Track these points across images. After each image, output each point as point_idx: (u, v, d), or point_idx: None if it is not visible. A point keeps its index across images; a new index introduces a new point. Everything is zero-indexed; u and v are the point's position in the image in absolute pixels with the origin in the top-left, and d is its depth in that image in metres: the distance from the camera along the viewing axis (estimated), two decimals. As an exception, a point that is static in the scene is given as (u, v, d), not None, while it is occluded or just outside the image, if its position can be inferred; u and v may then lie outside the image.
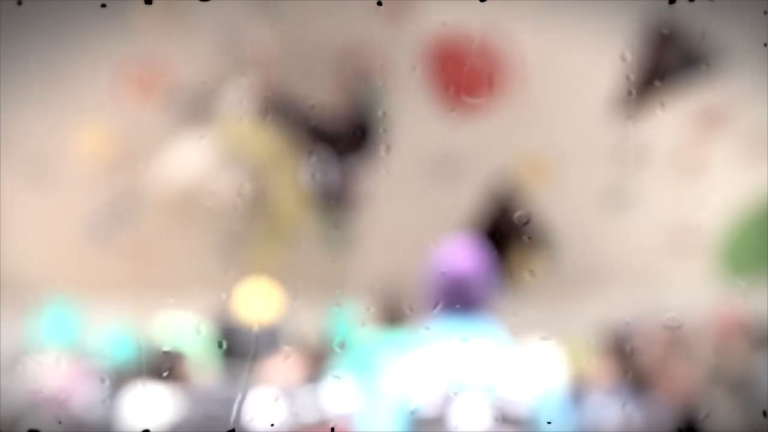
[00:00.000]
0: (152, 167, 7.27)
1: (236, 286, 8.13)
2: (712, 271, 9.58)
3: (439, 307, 3.59)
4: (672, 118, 8.34)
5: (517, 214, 8.47)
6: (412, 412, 3.47)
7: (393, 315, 4.21)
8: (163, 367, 4.96)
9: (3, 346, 4.94)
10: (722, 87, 8.26)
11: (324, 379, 4.28)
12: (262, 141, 6.82)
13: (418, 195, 8.13)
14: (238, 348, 3.89)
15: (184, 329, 5.06)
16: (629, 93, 8.04)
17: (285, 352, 3.99)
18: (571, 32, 7.69)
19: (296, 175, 6.95)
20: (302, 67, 6.91)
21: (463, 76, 7.58)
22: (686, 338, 7.48)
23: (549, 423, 4.20)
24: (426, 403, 3.47)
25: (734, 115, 8.50)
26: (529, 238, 8.54)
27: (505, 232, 8.36)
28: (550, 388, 3.61)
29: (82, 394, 4.66)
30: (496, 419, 3.47)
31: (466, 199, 8.29)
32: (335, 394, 4.12)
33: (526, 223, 8.47)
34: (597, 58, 7.85)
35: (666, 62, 7.84)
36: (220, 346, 4.55)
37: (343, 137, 6.59)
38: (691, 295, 9.56)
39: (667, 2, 7.60)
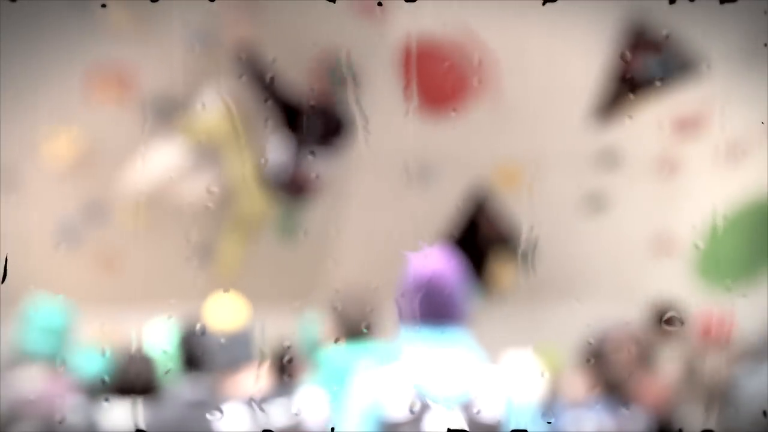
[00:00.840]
0: (124, 171, 7.20)
1: (207, 293, 8.08)
2: (691, 277, 9.58)
3: (412, 316, 3.56)
4: (649, 123, 8.33)
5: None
6: (384, 422, 3.43)
7: (363, 325, 4.15)
8: (137, 374, 4.91)
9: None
10: (700, 91, 8.25)
11: (295, 389, 4.22)
12: (225, 128, 6.79)
13: (392, 201, 8.08)
14: (209, 357, 3.82)
15: (156, 337, 5.01)
16: (607, 97, 8.04)
17: (255, 361, 3.91)
18: (549, 37, 7.67)
19: (256, 164, 6.93)
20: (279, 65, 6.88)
21: (440, 81, 7.54)
22: (665, 345, 7.47)
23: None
24: (398, 413, 3.44)
25: (712, 119, 8.50)
26: (505, 244, 8.52)
27: (480, 239, 8.33)
28: (524, 398, 3.58)
29: (62, 404, 4.59)
30: (469, 429, 3.44)
31: (441, 205, 8.25)
32: (307, 403, 4.06)
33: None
34: (575, 63, 7.85)
35: (644, 67, 7.83)
36: (188, 354, 4.50)
37: (315, 124, 6.55)
38: (673, 302, 9.56)
39: (658, 4, 7.64)
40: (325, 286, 8.30)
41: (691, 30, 7.87)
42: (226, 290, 7.74)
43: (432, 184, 8.03)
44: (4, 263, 7.09)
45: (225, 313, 3.77)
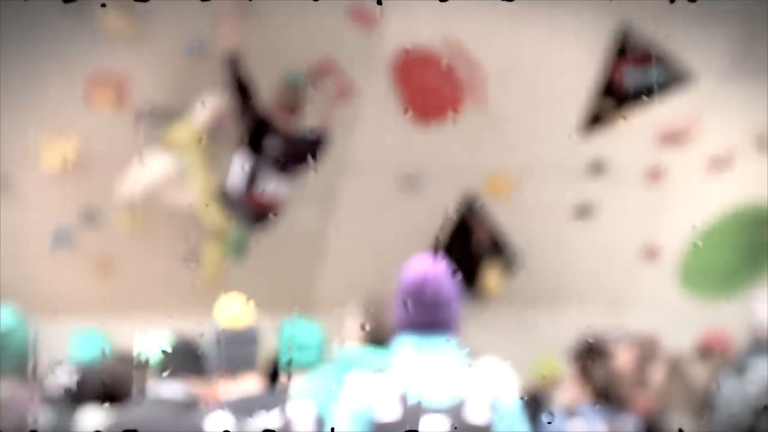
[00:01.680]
0: (119, 177, 7.23)
1: (199, 298, 8.10)
2: (677, 286, 9.63)
3: (403, 322, 3.60)
4: (637, 134, 8.39)
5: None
6: (375, 425, 3.47)
7: (356, 331, 4.20)
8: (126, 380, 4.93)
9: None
10: (687, 103, 8.32)
11: (286, 394, 4.25)
12: (193, 140, 6.83)
13: (383, 208, 8.14)
14: (212, 358, 3.87)
15: (149, 342, 5.03)
16: (596, 107, 8.10)
17: (257, 364, 3.96)
18: (540, 47, 7.73)
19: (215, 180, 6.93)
20: (267, 74, 6.91)
21: (431, 90, 7.60)
22: (654, 353, 7.52)
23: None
24: (389, 417, 3.47)
25: (699, 130, 8.56)
26: (495, 252, 8.56)
27: (471, 247, 8.37)
28: (512, 403, 3.62)
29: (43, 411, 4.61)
30: (457, 435, 3.49)
31: (433, 212, 8.28)
32: (298, 408, 4.09)
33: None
34: (565, 74, 7.90)
35: (633, 78, 7.89)
36: (181, 358, 4.53)
37: (279, 147, 6.54)
38: (657, 311, 9.62)
39: (648, 14, 7.71)
40: (321, 291, 8.35)
41: (678, 42, 7.94)
42: (221, 293, 7.83)
43: (423, 192, 8.08)
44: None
45: (233, 312, 3.81)
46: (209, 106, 6.86)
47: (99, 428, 4.73)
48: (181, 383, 4.33)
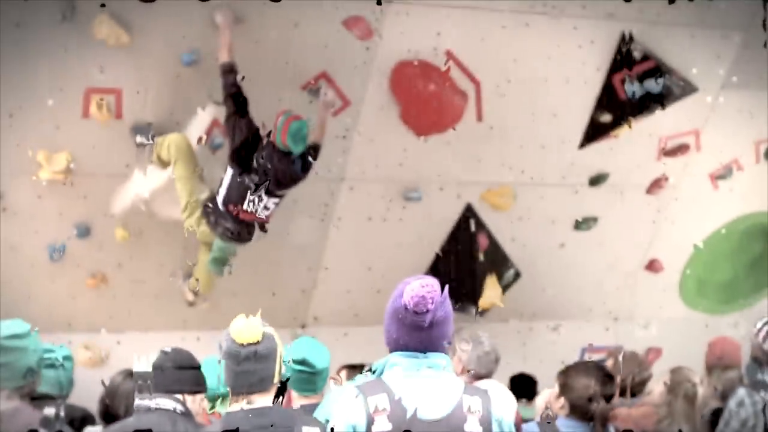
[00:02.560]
0: (114, 191, 7.21)
1: (195, 315, 8.06)
2: (679, 299, 9.61)
3: (395, 342, 3.59)
4: (639, 147, 8.37)
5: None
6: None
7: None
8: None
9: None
10: (688, 114, 8.30)
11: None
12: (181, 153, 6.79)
13: (381, 223, 8.11)
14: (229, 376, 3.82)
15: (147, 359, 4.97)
16: (598, 120, 8.08)
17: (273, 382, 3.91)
18: (541, 60, 7.72)
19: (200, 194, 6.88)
20: (263, 85, 6.87)
21: (429, 103, 7.58)
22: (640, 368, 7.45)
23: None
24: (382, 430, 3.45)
25: (700, 142, 8.55)
26: (495, 266, 8.52)
27: (470, 260, 8.34)
28: (505, 417, 3.60)
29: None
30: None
31: (431, 227, 8.27)
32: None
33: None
34: (566, 86, 7.88)
35: (635, 90, 7.87)
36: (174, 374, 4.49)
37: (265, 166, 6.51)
38: (658, 324, 9.59)
39: (651, 29, 7.70)
40: (313, 305, 8.33)
41: (679, 53, 7.93)
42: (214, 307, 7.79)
43: (422, 205, 8.05)
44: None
45: (247, 331, 3.76)
46: (206, 115, 6.83)
47: None
48: (176, 398, 4.30)
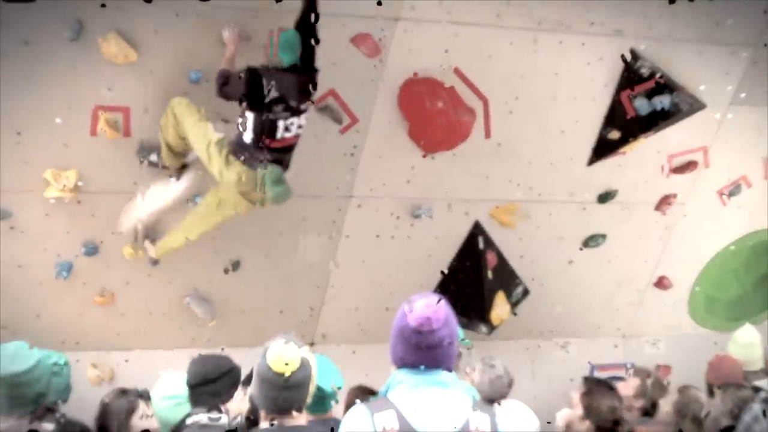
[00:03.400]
0: (123, 208, 7.22)
1: (203, 334, 8.05)
2: (688, 316, 9.58)
3: (401, 361, 3.58)
4: (646, 163, 8.35)
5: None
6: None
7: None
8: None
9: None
10: (696, 131, 8.29)
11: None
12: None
13: (389, 240, 8.09)
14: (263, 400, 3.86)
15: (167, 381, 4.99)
16: (606, 137, 8.06)
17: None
18: (549, 77, 7.71)
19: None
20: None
21: (437, 120, 7.57)
22: (656, 384, 7.44)
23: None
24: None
25: (709, 160, 8.53)
26: (504, 283, 8.51)
27: (479, 276, 8.32)
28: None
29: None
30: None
31: (439, 244, 8.25)
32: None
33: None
34: (574, 103, 7.87)
35: (642, 106, 7.86)
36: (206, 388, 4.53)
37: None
38: (667, 341, 9.55)
39: (660, 46, 7.70)
40: (321, 322, 8.31)
41: (689, 71, 7.92)
42: (224, 322, 7.76)
43: (430, 222, 8.04)
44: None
45: (284, 358, 3.76)
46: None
47: None
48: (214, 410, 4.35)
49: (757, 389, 5.82)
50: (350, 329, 8.32)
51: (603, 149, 8.11)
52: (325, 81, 6.86)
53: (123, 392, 4.82)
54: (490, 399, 5.57)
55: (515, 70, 7.61)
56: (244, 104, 6.27)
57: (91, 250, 7.32)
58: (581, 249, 8.63)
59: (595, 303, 9.04)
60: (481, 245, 8.25)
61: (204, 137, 6.53)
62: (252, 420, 4.49)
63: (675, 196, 8.62)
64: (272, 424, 3.79)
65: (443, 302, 3.57)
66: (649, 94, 7.81)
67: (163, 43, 6.75)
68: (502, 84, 7.63)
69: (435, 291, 8.13)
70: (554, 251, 8.58)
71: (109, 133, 6.84)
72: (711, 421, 5.67)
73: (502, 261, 8.42)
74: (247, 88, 6.19)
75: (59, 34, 6.50)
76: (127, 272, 7.54)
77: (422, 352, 3.53)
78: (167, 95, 6.86)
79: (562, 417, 5.41)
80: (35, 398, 4.38)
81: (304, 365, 3.81)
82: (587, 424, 5.15)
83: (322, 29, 6.36)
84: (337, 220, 7.85)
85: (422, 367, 3.54)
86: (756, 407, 5.37)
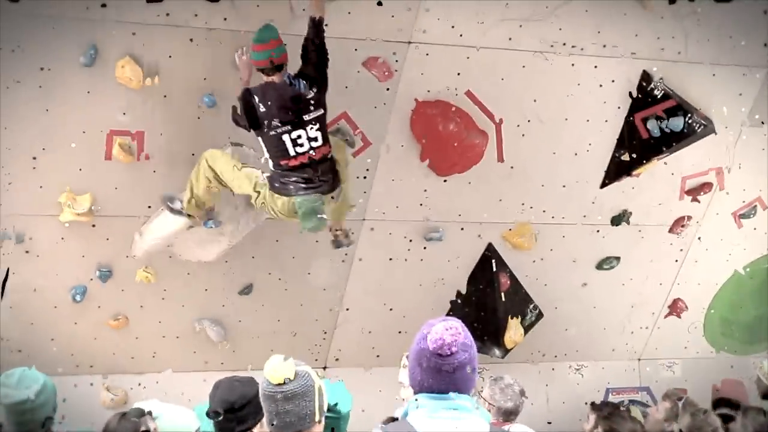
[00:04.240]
0: (137, 233, 7.24)
1: (217, 356, 8.05)
2: (704, 339, 9.52)
3: (419, 385, 3.56)
4: (659, 185, 8.33)
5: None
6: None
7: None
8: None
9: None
10: (710, 153, 8.27)
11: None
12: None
13: (402, 262, 8.09)
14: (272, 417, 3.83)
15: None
16: (619, 159, 8.05)
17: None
18: (562, 99, 7.72)
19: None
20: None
21: (450, 142, 7.58)
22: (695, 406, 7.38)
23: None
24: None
25: (724, 182, 8.50)
26: (518, 306, 8.49)
27: (494, 301, 8.30)
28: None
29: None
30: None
31: (453, 267, 8.24)
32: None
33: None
34: (587, 126, 7.87)
35: (655, 129, 7.85)
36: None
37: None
38: (683, 365, 9.49)
39: (673, 67, 7.70)
40: (334, 345, 8.30)
41: (703, 93, 7.91)
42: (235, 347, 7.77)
43: (444, 245, 8.03)
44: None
45: (278, 371, 3.75)
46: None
47: None
48: None
49: None
50: (363, 352, 8.30)
51: (616, 171, 8.10)
52: (337, 104, 6.89)
53: (123, 415, 4.79)
54: (507, 411, 5.55)
55: (528, 93, 7.62)
56: (250, 128, 6.30)
57: (106, 273, 7.34)
58: (595, 271, 8.60)
59: (609, 326, 9.00)
60: (494, 268, 8.24)
61: (249, 186, 6.54)
62: None
63: (689, 218, 8.58)
64: None
65: (462, 326, 3.55)
66: (663, 116, 7.81)
67: (176, 68, 6.79)
68: (514, 106, 7.64)
69: (448, 314, 8.11)
70: (568, 274, 8.56)
71: (123, 157, 6.89)
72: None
73: (515, 284, 8.40)
74: (244, 109, 6.23)
75: (75, 60, 6.55)
76: (140, 296, 7.56)
77: (441, 375, 3.51)
78: (181, 119, 6.90)
79: None
80: (42, 423, 4.38)
81: (302, 375, 3.78)
82: None
83: (334, 53, 6.38)
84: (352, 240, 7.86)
85: (441, 391, 3.52)
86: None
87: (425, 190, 7.79)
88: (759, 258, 9.16)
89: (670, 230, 8.62)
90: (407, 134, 7.52)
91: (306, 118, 6.26)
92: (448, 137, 7.52)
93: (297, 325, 8.05)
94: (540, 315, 8.65)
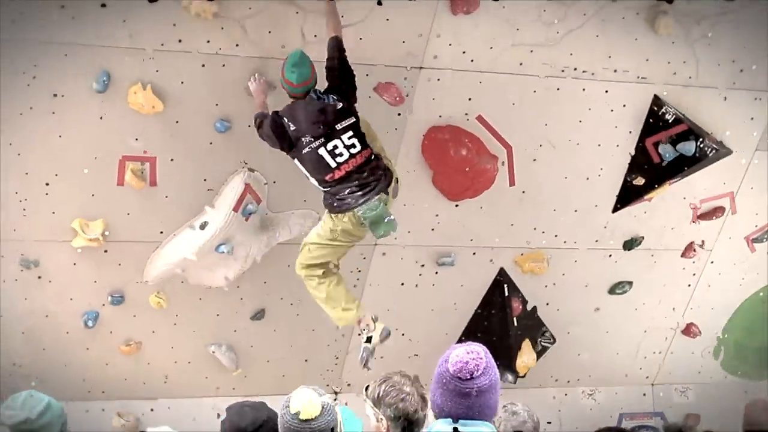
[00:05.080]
0: (150, 258, 7.25)
1: (230, 381, 8.04)
2: (717, 364, 9.47)
3: (441, 410, 3.55)
4: (672, 209, 8.31)
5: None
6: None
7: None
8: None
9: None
10: (722, 177, 8.25)
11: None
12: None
13: (414, 287, 8.07)
14: None
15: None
16: (631, 184, 8.04)
17: None
18: (572, 124, 7.72)
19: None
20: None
21: (461, 168, 7.59)
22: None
23: None
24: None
25: (734, 204, 8.48)
26: (531, 330, 8.46)
27: (506, 325, 8.28)
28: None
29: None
30: None
31: (465, 292, 8.23)
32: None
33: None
34: (598, 150, 7.87)
35: (667, 153, 7.84)
36: None
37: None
38: (696, 389, 9.43)
39: (681, 91, 7.70)
40: (346, 370, 8.27)
41: (714, 117, 7.90)
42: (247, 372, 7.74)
43: (456, 270, 8.02)
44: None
45: (306, 404, 3.75)
46: (238, 183, 6.74)
47: None
48: None
49: None
50: (376, 378, 8.26)
51: (628, 196, 8.08)
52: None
53: None
54: None
55: (539, 118, 7.62)
56: (288, 149, 6.26)
57: (118, 299, 7.35)
58: (608, 296, 8.56)
59: (622, 351, 8.95)
60: (506, 293, 8.22)
61: (323, 242, 6.56)
62: None
63: (702, 242, 8.55)
64: None
65: (485, 351, 3.53)
66: (674, 141, 7.80)
67: (189, 94, 6.82)
68: (525, 131, 7.65)
69: (460, 339, 8.09)
70: (580, 299, 8.53)
71: (135, 183, 6.91)
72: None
73: (527, 308, 8.38)
74: (275, 133, 6.22)
75: (87, 86, 6.59)
76: (152, 321, 7.56)
77: (461, 399, 3.49)
78: (194, 145, 6.92)
79: None
80: None
81: (327, 410, 3.78)
82: None
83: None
84: (362, 268, 7.85)
85: (460, 416, 3.50)
86: None
87: (437, 215, 7.78)
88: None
89: (683, 254, 8.59)
90: (419, 159, 7.52)
91: (338, 127, 6.21)
92: (459, 162, 7.52)
93: (309, 350, 8.03)
94: (552, 340, 8.62)
